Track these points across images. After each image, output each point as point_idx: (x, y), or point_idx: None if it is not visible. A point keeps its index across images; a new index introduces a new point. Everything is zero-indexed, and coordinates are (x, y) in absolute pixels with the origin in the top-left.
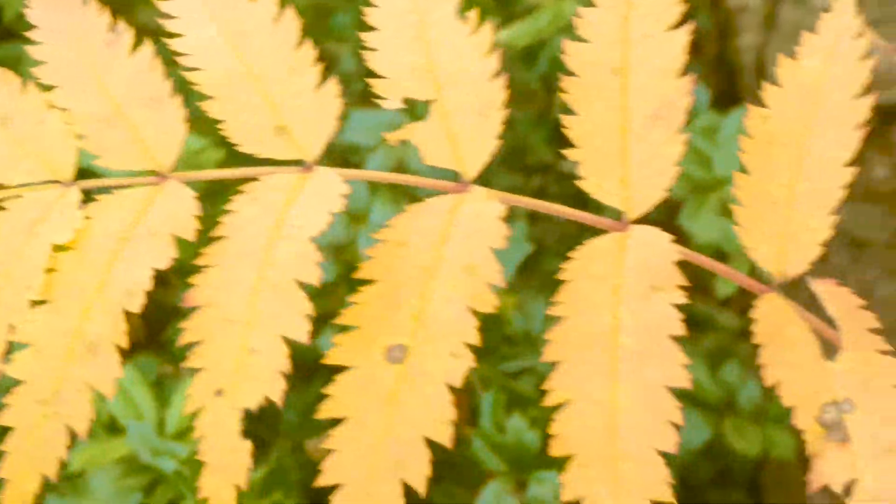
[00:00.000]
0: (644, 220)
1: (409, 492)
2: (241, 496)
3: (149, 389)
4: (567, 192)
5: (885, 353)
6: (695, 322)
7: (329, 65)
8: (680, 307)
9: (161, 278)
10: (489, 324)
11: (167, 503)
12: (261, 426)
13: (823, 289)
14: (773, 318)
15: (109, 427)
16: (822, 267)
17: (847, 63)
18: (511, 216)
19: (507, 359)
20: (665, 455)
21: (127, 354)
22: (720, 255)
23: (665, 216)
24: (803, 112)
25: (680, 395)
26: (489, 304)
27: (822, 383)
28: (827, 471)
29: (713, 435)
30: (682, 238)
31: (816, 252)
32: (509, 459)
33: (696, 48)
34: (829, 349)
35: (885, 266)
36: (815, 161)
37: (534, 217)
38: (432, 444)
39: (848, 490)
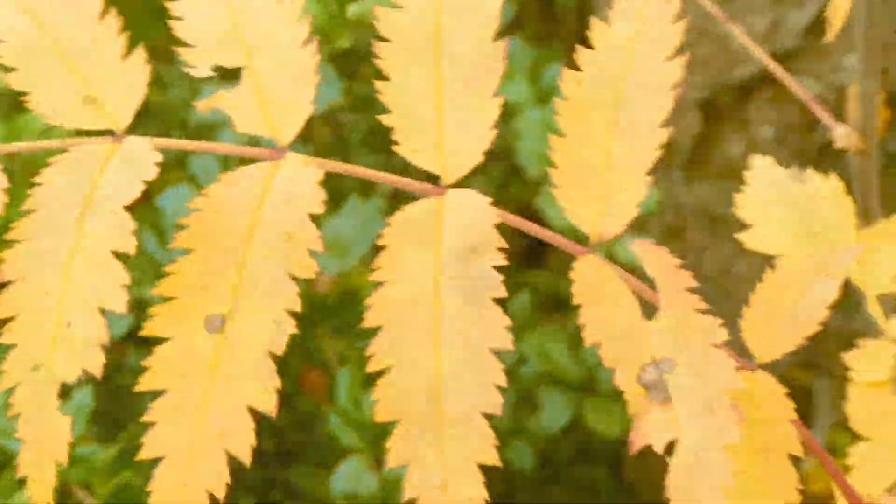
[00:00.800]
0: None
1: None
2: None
3: None
4: None
5: (702, 311)
6: (560, 303)
7: (168, 57)
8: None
9: None
10: (346, 301)
11: (16, 484)
12: (115, 405)
13: (642, 249)
14: (591, 278)
15: None
16: (679, 244)
17: (659, 26)
18: (368, 194)
19: (364, 336)
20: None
21: None
22: (579, 237)
23: (523, 201)
24: (617, 74)
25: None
26: (309, 270)
27: (641, 343)
28: (648, 431)
29: (574, 415)
30: (539, 221)
31: (633, 213)
32: (367, 436)
33: (555, 25)
34: (651, 310)
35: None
36: (630, 123)
37: (395, 196)
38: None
39: (669, 449)
